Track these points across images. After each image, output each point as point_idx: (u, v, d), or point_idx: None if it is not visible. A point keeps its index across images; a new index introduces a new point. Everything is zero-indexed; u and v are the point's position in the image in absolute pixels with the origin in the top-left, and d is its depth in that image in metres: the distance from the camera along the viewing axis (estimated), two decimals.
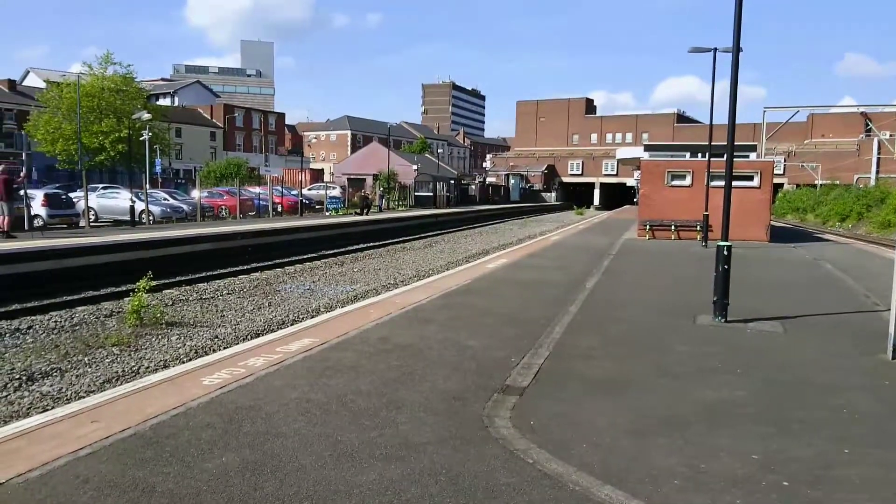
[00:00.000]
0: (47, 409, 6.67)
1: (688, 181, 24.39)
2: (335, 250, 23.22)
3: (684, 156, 27.41)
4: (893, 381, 6.61)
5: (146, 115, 36.67)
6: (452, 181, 66.71)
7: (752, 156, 27.34)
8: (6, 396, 7.45)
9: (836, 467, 4.51)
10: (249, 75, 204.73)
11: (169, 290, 14.44)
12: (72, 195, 26.81)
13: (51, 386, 7.83)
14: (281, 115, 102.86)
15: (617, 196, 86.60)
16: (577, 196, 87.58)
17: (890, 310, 7.41)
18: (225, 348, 8.91)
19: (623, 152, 45.79)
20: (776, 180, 37.62)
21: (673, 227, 24.48)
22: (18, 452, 4.43)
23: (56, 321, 11.29)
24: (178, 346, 9.76)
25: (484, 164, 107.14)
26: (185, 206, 30.76)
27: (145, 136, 42.30)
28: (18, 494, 3.85)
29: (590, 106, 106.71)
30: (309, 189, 46.52)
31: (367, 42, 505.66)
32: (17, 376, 8.07)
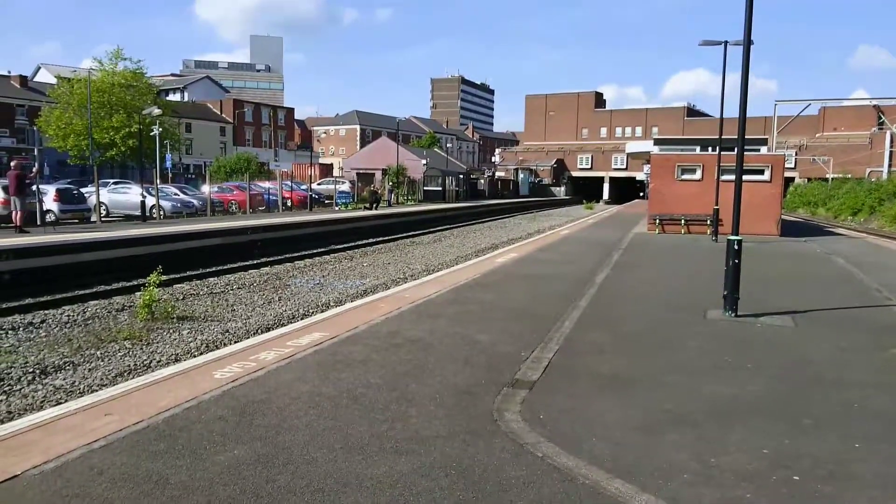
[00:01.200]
0: (61, 402, 6.74)
1: (698, 175, 24.27)
2: (345, 245, 23.29)
3: (694, 150, 27.26)
4: None
5: (156, 111, 36.81)
6: (461, 175, 66.67)
7: (763, 149, 27.18)
8: (20, 389, 7.53)
9: (847, 463, 4.49)
10: (259, 70, 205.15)
11: (179, 285, 14.53)
12: (83, 190, 27.00)
13: (64, 379, 7.90)
14: (290, 110, 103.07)
15: (626, 190, 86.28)
16: (586, 190, 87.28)
17: None
18: (236, 342, 8.97)
19: (633, 146, 45.53)
20: (787, 174, 37.39)
21: (683, 222, 24.38)
22: (34, 445, 4.49)
23: (68, 315, 11.39)
24: (190, 340, 9.83)
25: (493, 159, 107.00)
26: (195, 201, 30.90)
27: (155, 131, 42.57)
28: (34, 486, 3.90)
29: (599, 100, 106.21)
30: (318, 184, 46.57)
31: (376, 37, 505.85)
32: (31, 370, 8.16)
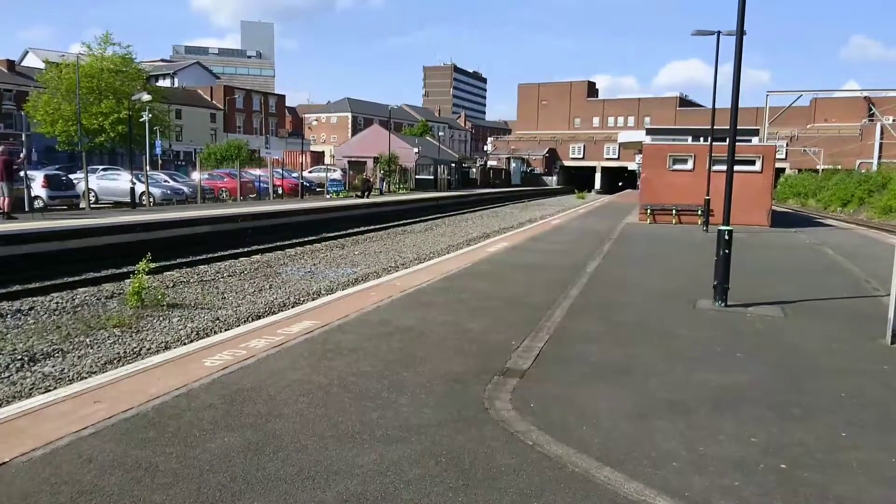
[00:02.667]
0: (50, 390, 6.70)
1: (689, 165, 24.30)
2: (336, 233, 23.22)
3: (686, 140, 27.29)
4: (893, 365, 6.63)
5: (146, 97, 36.49)
6: (453, 164, 66.57)
7: (755, 140, 27.23)
8: (9, 377, 7.49)
9: (835, 451, 4.53)
10: (250, 56, 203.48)
11: (169, 272, 14.45)
12: (72, 176, 26.80)
13: (53, 367, 7.86)
14: (281, 97, 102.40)
15: (618, 180, 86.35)
16: (578, 180, 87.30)
17: (890, 295, 7.42)
18: (226, 330, 8.94)
19: (625, 136, 45.60)
20: (778, 165, 37.54)
21: (674, 212, 24.43)
22: (22, 432, 4.46)
23: (57, 302, 11.31)
24: (180, 327, 9.79)
25: (485, 148, 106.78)
26: (185, 189, 30.73)
27: (145, 117, 42.20)
28: (23, 473, 3.88)
29: (592, 89, 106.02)
30: (310, 171, 46.41)
31: (369, 24, 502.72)
32: (20, 357, 8.11)
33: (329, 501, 3.66)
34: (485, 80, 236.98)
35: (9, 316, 10.28)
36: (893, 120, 55.89)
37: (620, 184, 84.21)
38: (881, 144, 56.79)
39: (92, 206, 25.23)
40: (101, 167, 33.82)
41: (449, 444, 4.43)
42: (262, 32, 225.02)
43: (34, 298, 11.49)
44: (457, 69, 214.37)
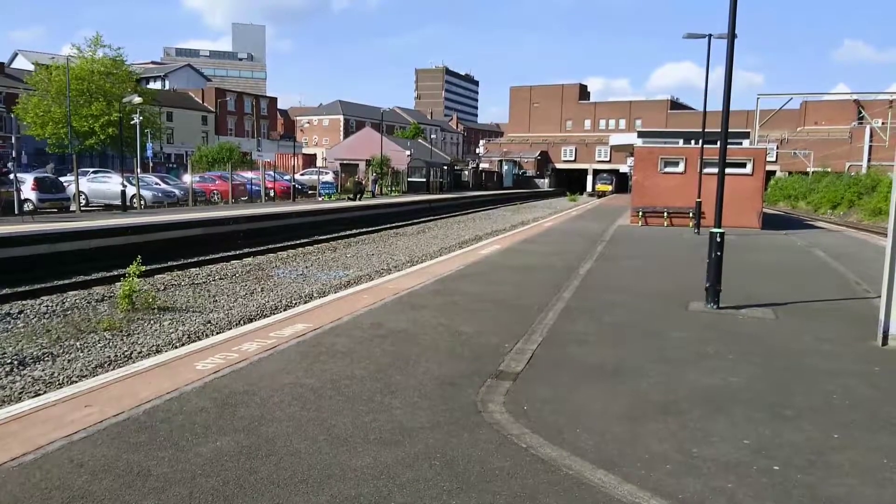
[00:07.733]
0: (40, 394, 6.65)
1: (681, 168, 24.41)
2: (328, 235, 23.17)
3: (677, 142, 27.42)
4: (883, 366, 6.68)
5: (137, 99, 36.29)
6: (445, 167, 66.59)
7: (745, 143, 27.39)
8: None
9: (827, 452, 4.55)
10: (241, 59, 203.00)
11: (161, 275, 14.38)
12: (62, 179, 26.64)
13: (43, 370, 7.80)
14: (273, 100, 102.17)
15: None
16: (570, 182, 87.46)
17: (880, 297, 7.46)
18: (218, 333, 8.90)
19: (616, 139, 45.67)
20: (768, 167, 37.68)
21: (665, 214, 24.53)
22: (12, 436, 4.42)
23: (47, 306, 11.23)
24: (171, 330, 9.74)
25: (477, 150, 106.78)
26: (176, 191, 30.59)
27: (136, 119, 42.03)
28: (13, 478, 3.85)
29: (583, 92, 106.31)
30: (301, 174, 46.32)
31: (363, 26, 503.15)
32: (9, 361, 8.03)
33: None
34: (477, 83, 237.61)
35: None
36: (882, 123, 56.28)
37: (617, 185, 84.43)
38: (870, 147, 57.23)
39: (82, 208, 25.08)
40: (91, 170, 33.62)
41: (442, 448, 4.42)
42: (254, 35, 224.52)
43: (24, 302, 11.40)
44: (449, 72, 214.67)
